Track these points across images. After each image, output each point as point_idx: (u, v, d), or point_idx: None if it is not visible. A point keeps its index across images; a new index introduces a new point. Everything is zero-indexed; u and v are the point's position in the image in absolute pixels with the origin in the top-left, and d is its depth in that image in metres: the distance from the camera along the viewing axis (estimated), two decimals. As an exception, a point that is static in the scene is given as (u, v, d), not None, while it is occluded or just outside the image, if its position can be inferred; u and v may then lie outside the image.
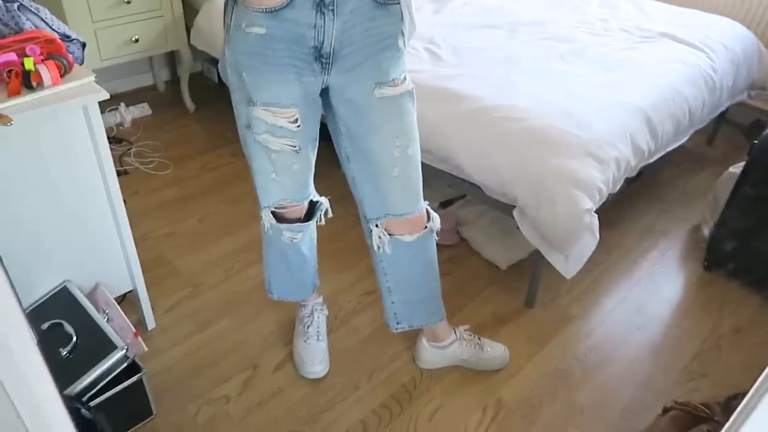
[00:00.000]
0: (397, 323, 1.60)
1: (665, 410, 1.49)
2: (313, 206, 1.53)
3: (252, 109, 1.26)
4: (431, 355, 1.70)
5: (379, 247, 1.46)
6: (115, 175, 1.55)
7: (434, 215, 1.49)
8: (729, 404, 1.49)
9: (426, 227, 1.46)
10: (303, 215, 1.51)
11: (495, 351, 1.71)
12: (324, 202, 1.54)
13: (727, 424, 0.85)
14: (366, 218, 1.45)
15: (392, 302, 1.57)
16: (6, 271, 0.68)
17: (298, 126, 1.28)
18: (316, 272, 1.71)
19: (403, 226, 1.43)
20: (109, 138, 2.78)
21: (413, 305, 1.58)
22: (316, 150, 1.41)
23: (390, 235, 1.44)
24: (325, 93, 1.30)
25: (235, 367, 1.70)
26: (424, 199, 1.46)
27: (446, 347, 1.68)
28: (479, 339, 1.72)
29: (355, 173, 1.39)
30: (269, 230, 1.49)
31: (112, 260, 1.66)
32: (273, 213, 1.45)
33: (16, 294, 0.76)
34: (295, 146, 1.31)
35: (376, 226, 1.43)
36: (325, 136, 1.44)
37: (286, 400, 1.61)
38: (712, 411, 1.47)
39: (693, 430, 1.39)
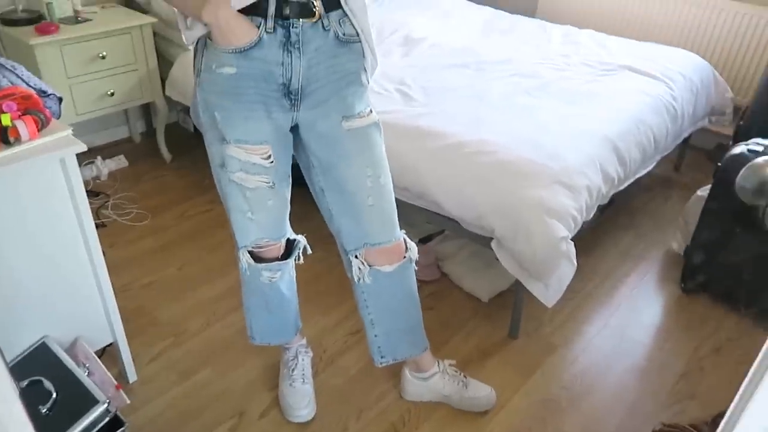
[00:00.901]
0: (381, 357, 1.60)
1: (654, 433, 1.50)
2: (290, 245, 1.54)
3: (225, 147, 1.29)
4: (414, 386, 1.70)
5: (359, 279, 1.48)
6: (94, 227, 1.55)
7: (411, 244, 1.51)
8: (716, 423, 1.50)
9: (405, 257, 1.48)
10: (281, 254, 1.52)
11: (479, 391, 1.69)
12: (301, 240, 1.55)
13: None
14: (345, 250, 1.47)
15: (375, 335, 1.57)
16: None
17: (271, 162, 1.31)
18: (298, 314, 1.71)
19: (382, 256, 1.45)
20: (86, 191, 2.78)
21: (396, 337, 1.59)
22: (290, 188, 1.43)
23: (369, 266, 1.45)
24: (295, 129, 1.34)
25: (221, 415, 1.67)
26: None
27: (428, 378, 1.68)
28: (465, 377, 1.71)
29: (331, 206, 1.41)
30: (247, 271, 1.49)
31: (91, 313, 1.64)
32: (251, 253, 1.46)
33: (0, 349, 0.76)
34: (269, 182, 1.34)
35: (356, 257, 1.45)
36: (303, 182, 1.47)
37: (273, 447, 1.58)
38: (701, 431, 1.48)
39: (682, 451, 1.40)
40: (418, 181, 1.94)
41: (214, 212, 2.63)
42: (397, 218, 1.45)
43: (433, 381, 1.68)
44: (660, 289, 2.22)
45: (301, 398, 1.65)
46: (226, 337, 1.95)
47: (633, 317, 2.07)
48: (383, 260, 1.45)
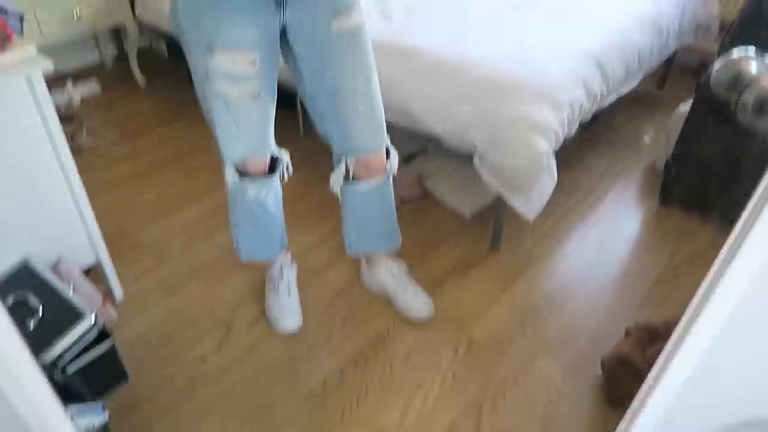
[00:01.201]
0: (351, 249, 1.71)
1: (627, 333, 1.56)
2: (275, 163, 1.53)
3: (210, 55, 1.25)
4: (365, 274, 1.81)
5: (333, 186, 1.53)
6: (67, 146, 1.51)
7: (393, 154, 1.52)
8: (687, 322, 1.56)
9: (386, 170, 1.51)
10: (266, 170, 1.51)
11: (416, 296, 1.74)
12: (285, 156, 1.54)
13: (673, 336, 0.91)
14: (334, 154, 1.50)
15: (348, 233, 1.68)
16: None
17: (257, 69, 1.28)
18: (284, 230, 1.71)
19: (367, 167, 1.48)
20: (59, 117, 2.71)
21: (367, 240, 1.69)
22: (275, 103, 1.41)
23: (352, 178, 1.49)
24: (283, 36, 1.31)
25: (209, 329, 1.70)
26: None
27: (374, 268, 1.78)
28: (410, 281, 1.78)
29: (322, 112, 1.42)
30: (233, 187, 1.48)
31: (72, 233, 1.63)
32: (237, 169, 1.45)
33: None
34: (255, 92, 1.31)
35: (342, 164, 1.48)
36: (285, 104, 1.44)
37: (262, 356, 1.62)
38: (671, 329, 1.54)
39: (653, 347, 1.46)
40: (401, 99, 1.91)
41: (191, 138, 2.59)
42: (385, 125, 1.45)
43: (378, 272, 1.77)
44: (639, 203, 2.25)
45: (287, 310, 1.68)
46: (210, 255, 1.96)
47: (612, 230, 2.11)
48: (367, 172, 1.49)
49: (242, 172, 1.47)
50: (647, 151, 2.40)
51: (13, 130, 1.41)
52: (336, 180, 1.51)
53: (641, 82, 2.43)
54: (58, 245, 1.63)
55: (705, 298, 0.84)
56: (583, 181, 2.35)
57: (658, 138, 2.39)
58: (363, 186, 1.51)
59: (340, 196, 1.58)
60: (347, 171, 1.48)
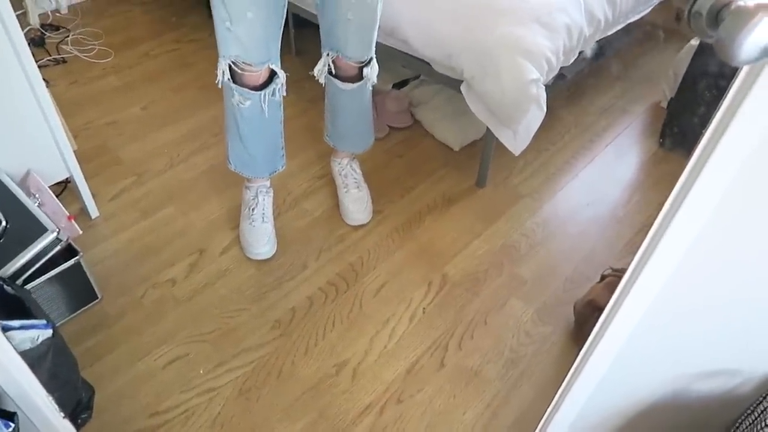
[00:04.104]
0: (328, 138, 1.80)
1: (602, 278, 1.52)
2: (272, 79, 1.46)
3: None
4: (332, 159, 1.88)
5: (318, 76, 1.58)
6: (31, 54, 1.44)
7: (374, 65, 1.55)
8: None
9: (363, 76, 1.55)
10: (258, 83, 1.44)
11: (352, 202, 1.76)
12: (281, 75, 1.46)
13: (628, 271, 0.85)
14: (321, 42, 1.53)
15: (327, 123, 1.77)
16: None
17: None
18: (276, 156, 1.66)
19: (344, 69, 1.54)
20: (44, 25, 2.61)
21: (337, 136, 1.77)
22: (281, 17, 1.36)
23: (333, 75, 1.57)
24: None
25: (181, 251, 1.69)
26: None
27: (332, 158, 1.86)
28: (354, 183, 1.80)
29: (318, 3, 1.44)
30: (224, 85, 1.44)
31: (42, 146, 1.59)
32: (232, 71, 1.40)
33: None
34: None
35: (327, 55, 1.52)
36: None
37: (232, 281, 1.61)
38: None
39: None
40: (389, 17, 1.79)
41: (180, 52, 2.50)
42: (374, 39, 1.49)
43: (333, 162, 1.86)
44: (638, 144, 2.16)
45: (260, 236, 1.66)
46: (188, 178, 1.92)
47: (605, 171, 2.03)
48: (343, 73, 1.55)
49: (237, 80, 1.41)
50: (657, 107, 2.27)
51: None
52: (319, 69, 1.55)
53: (656, 13, 2.27)
54: (28, 157, 1.59)
55: (656, 238, 0.78)
56: (582, 118, 2.24)
57: (666, 75, 2.26)
58: (339, 83, 1.57)
59: (325, 92, 1.66)
60: (328, 64, 1.52)
